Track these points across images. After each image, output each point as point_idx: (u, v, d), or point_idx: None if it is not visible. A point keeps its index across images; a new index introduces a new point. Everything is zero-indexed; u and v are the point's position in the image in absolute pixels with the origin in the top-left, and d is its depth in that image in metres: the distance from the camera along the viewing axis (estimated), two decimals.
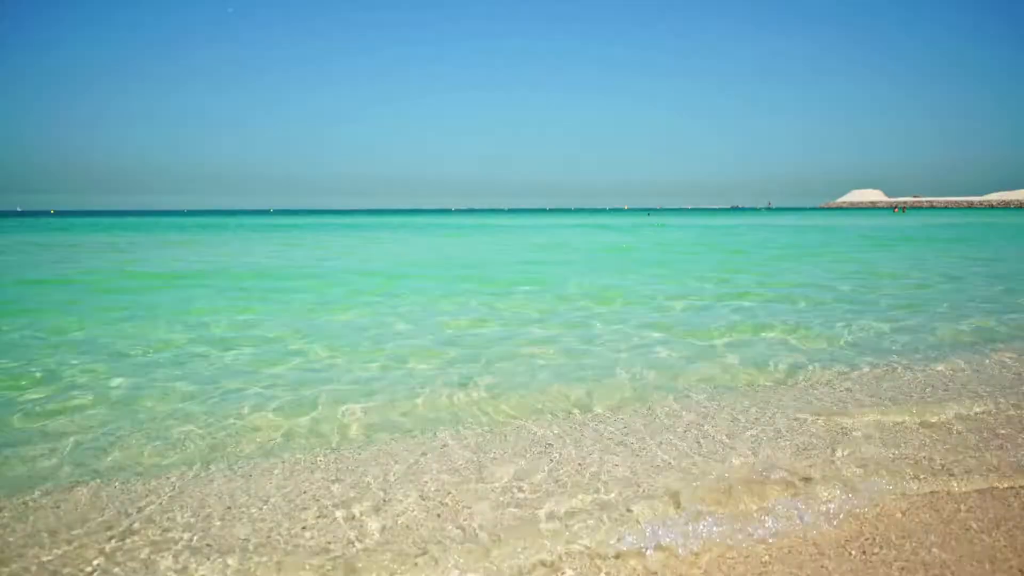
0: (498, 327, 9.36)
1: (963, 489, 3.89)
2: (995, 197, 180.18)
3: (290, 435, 5.03)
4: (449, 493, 3.91)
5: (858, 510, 3.66)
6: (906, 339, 8.23)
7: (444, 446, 4.73)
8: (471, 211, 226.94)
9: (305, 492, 3.96)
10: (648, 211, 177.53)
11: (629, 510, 3.64)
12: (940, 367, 6.81)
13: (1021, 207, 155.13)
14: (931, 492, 3.87)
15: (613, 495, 3.84)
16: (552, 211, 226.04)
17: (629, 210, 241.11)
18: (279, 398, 5.94)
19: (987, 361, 7.07)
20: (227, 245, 32.48)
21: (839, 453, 4.43)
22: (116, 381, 6.47)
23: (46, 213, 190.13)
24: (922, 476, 4.05)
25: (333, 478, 4.16)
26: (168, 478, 4.20)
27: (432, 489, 3.97)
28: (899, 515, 3.59)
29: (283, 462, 4.46)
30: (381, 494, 3.91)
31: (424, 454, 4.58)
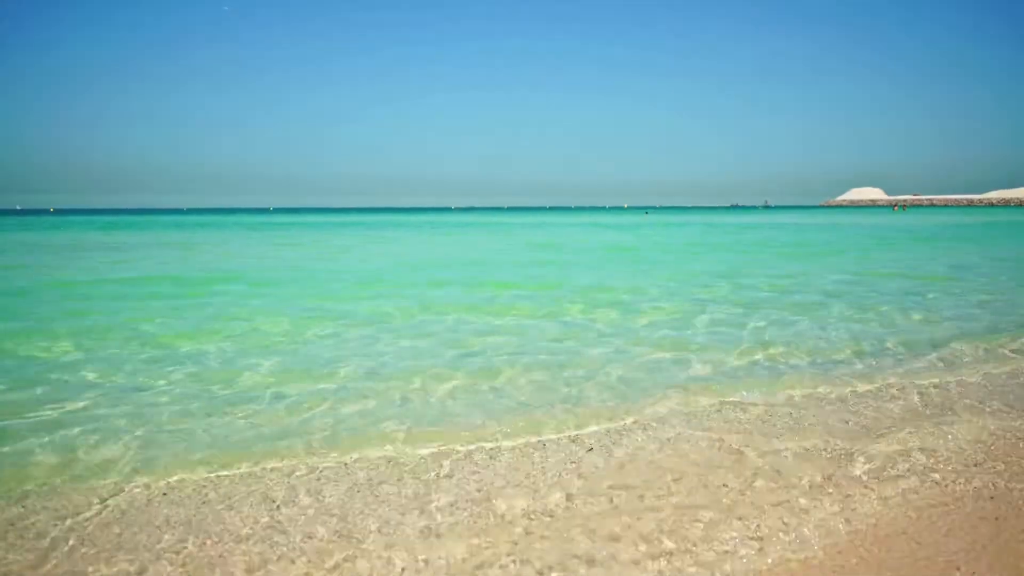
0: (493, 335, 9.14)
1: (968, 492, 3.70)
2: (995, 195, 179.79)
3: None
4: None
5: (870, 515, 3.46)
6: (919, 345, 8.04)
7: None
8: (471, 209, 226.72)
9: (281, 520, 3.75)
10: (646, 210, 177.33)
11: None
12: (951, 378, 6.61)
13: (1021, 205, 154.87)
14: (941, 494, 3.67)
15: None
16: (552, 209, 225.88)
17: (628, 208, 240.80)
18: (250, 420, 5.73)
19: (1006, 370, 6.88)
20: (226, 245, 32.25)
21: (856, 470, 4.23)
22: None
23: (46, 211, 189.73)
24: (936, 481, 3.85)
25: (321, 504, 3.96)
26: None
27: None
28: (911, 516, 3.40)
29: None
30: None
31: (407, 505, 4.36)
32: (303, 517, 3.72)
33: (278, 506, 3.87)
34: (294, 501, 3.94)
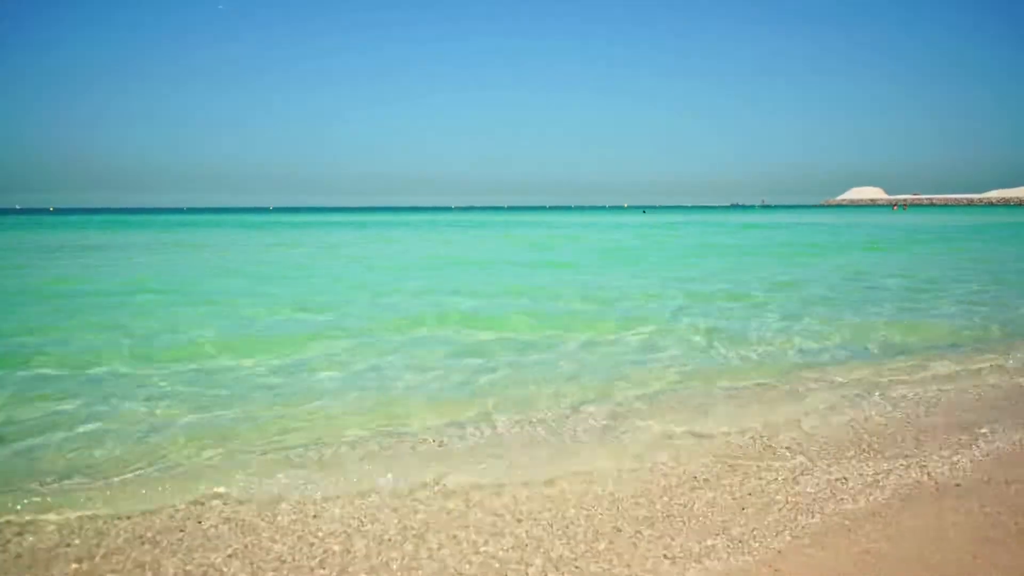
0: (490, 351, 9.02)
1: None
2: (995, 195, 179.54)
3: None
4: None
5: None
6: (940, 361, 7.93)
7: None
8: (471, 208, 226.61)
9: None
10: (643, 209, 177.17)
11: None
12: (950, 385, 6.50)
13: (1021, 204, 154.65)
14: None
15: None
16: (552, 209, 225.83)
17: (628, 208, 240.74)
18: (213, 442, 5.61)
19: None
20: (224, 245, 32.10)
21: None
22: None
23: (46, 211, 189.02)
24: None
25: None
26: None
27: None
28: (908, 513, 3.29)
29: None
30: None
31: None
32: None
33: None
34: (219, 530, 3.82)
